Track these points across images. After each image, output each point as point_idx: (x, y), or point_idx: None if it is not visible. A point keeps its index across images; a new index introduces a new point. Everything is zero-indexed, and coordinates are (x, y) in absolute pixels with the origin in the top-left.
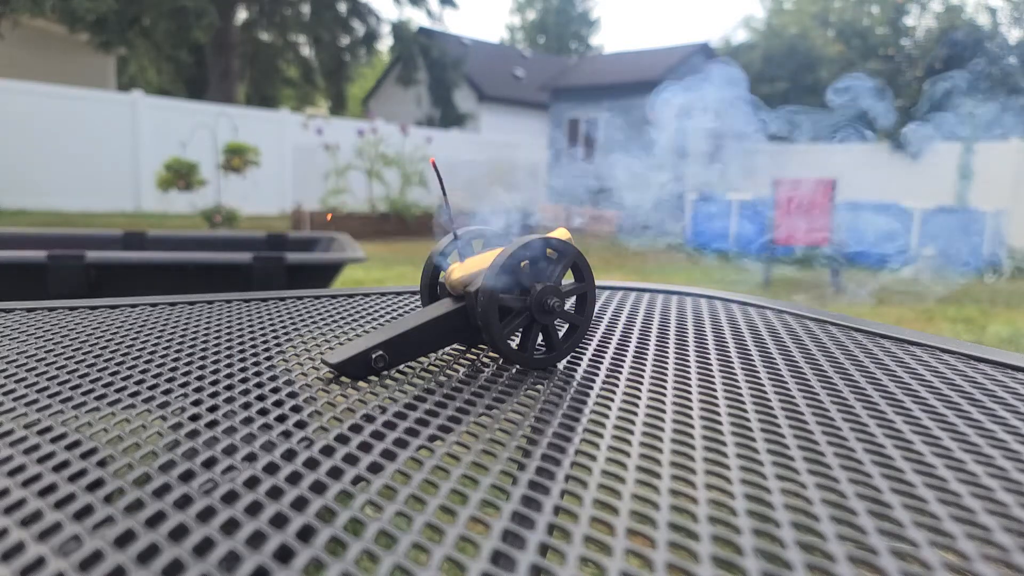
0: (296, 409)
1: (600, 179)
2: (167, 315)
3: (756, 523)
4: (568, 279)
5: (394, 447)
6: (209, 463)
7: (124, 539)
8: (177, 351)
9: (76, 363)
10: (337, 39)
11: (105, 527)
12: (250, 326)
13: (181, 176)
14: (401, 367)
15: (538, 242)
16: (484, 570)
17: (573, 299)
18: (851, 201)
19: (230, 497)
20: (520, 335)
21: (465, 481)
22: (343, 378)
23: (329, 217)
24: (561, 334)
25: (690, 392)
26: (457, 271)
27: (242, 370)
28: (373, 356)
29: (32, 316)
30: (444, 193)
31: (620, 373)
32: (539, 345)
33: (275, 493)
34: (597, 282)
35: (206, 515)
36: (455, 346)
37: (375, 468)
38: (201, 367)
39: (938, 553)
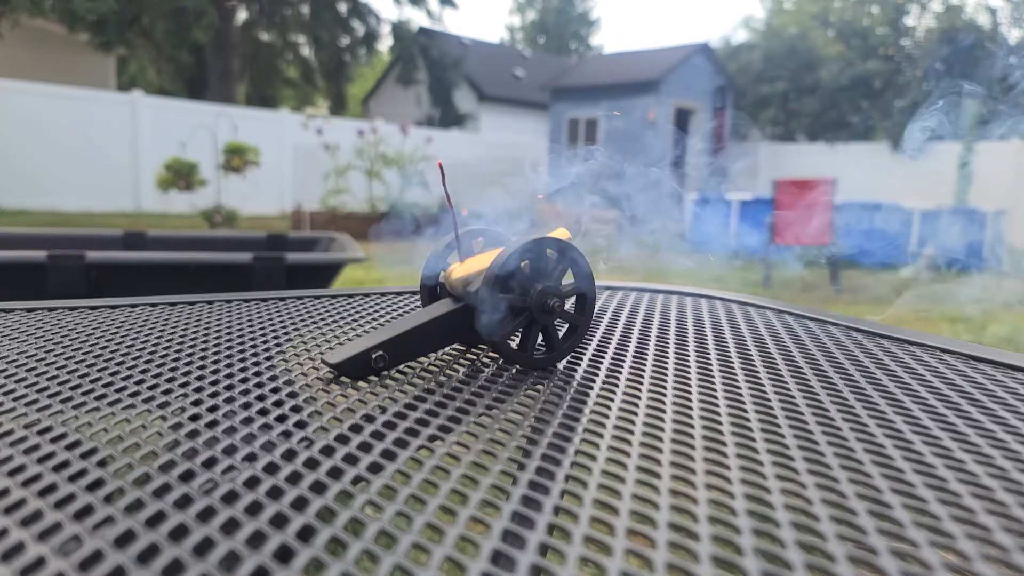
0: (296, 409)
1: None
2: (167, 315)
3: (756, 523)
4: (568, 279)
5: (394, 447)
6: (209, 463)
7: (124, 539)
8: (177, 351)
9: (76, 363)
10: (337, 39)
11: (105, 527)
12: (250, 326)
13: (181, 176)
14: (401, 367)
15: (538, 242)
16: (484, 570)
17: (573, 299)
18: (851, 201)
19: (230, 497)
20: (520, 335)
21: (465, 481)
22: (343, 378)
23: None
24: (561, 334)
25: (690, 392)
26: (457, 271)
27: (242, 370)
28: (373, 356)
29: (32, 316)
30: (447, 195)
31: (620, 373)
32: (539, 345)
33: (275, 493)
34: (597, 282)
35: (206, 515)
36: (455, 346)
37: (375, 468)
38: (201, 367)
39: (938, 553)
